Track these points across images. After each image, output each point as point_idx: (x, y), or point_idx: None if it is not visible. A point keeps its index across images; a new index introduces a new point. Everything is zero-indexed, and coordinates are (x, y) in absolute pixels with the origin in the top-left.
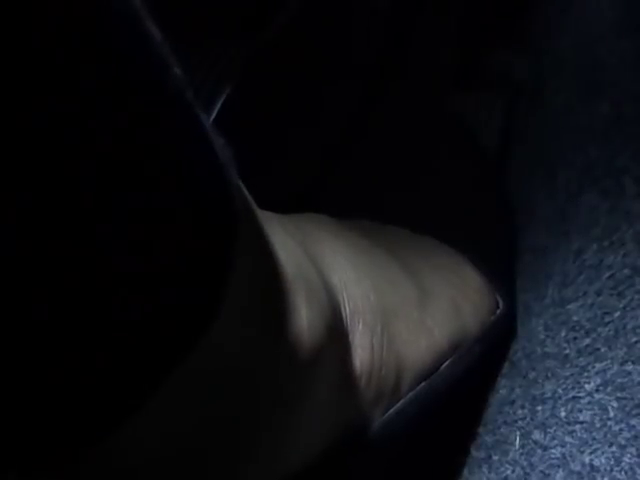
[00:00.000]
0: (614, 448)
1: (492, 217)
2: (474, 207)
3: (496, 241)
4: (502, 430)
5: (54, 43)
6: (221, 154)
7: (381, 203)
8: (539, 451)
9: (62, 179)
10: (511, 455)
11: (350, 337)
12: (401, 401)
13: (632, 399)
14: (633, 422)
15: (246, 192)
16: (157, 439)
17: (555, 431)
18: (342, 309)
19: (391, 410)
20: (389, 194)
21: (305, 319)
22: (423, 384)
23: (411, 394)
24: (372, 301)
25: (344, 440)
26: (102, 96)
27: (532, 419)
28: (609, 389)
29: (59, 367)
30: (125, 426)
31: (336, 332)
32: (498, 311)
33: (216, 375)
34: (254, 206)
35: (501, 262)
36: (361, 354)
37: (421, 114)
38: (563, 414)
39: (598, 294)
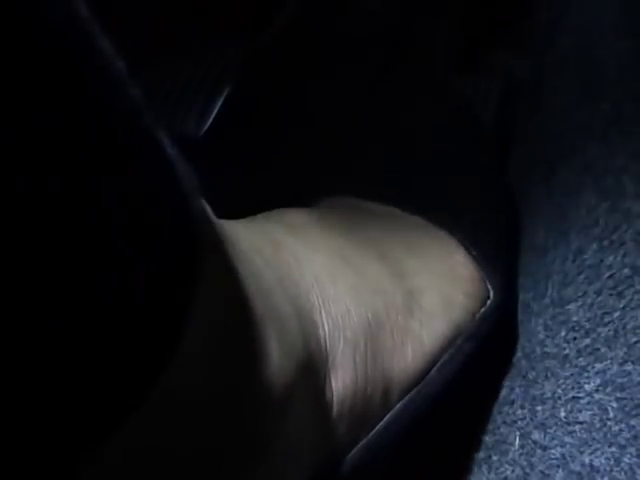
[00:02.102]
0: (614, 448)
1: (491, 202)
2: (473, 191)
3: (493, 227)
4: (502, 430)
5: None
6: (185, 183)
7: (383, 183)
8: (539, 451)
9: (17, 204)
10: (511, 455)
11: (330, 359)
12: (390, 412)
13: (632, 399)
14: (633, 422)
15: (214, 218)
16: (123, 473)
17: (555, 431)
18: (320, 330)
19: (380, 423)
20: (390, 177)
21: (276, 358)
22: (413, 391)
23: (400, 404)
24: (353, 315)
25: (322, 472)
26: (45, 119)
27: (532, 419)
28: (609, 389)
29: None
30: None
31: (310, 362)
32: (489, 302)
33: (177, 417)
34: (224, 234)
35: (496, 247)
36: (343, 375)
37: (424, 99)
38: (563, 414)
39: (598, 294)
